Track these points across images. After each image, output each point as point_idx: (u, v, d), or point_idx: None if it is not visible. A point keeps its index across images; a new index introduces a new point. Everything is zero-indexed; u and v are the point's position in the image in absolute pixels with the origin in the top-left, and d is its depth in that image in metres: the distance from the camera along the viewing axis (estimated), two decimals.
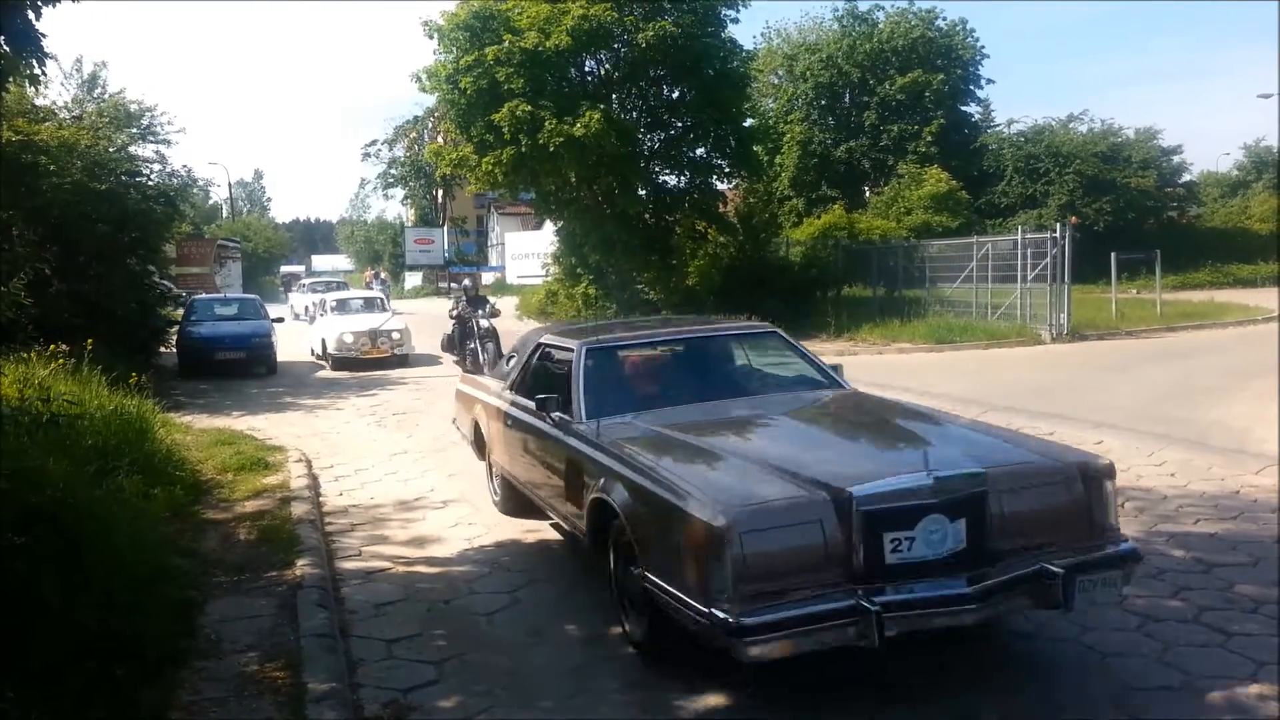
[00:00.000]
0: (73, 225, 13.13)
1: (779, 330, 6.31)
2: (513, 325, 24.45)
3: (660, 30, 19.02)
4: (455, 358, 15.47)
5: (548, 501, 5.71)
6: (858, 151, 37.90)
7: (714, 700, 4.02)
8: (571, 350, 5.71)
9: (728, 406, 5.38)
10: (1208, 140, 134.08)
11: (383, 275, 51.83)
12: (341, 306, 19.56)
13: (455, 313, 15.68)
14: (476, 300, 15.96)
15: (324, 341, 17.73)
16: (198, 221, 53.90)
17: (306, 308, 27.96)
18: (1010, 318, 18.87)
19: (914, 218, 29.67)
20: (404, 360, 17.35)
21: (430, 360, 17.63)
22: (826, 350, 17.61)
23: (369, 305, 19.85)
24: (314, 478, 8.32)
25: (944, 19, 38.49)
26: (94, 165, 14.09)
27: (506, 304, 32.73)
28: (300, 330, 22.12)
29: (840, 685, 4.06)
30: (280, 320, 18.58)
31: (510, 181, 21.24)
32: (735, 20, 21.20)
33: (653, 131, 21.48)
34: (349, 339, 17.07)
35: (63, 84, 36.90)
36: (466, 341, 15.13)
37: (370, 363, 16.92)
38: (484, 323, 15.09)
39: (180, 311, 17.78)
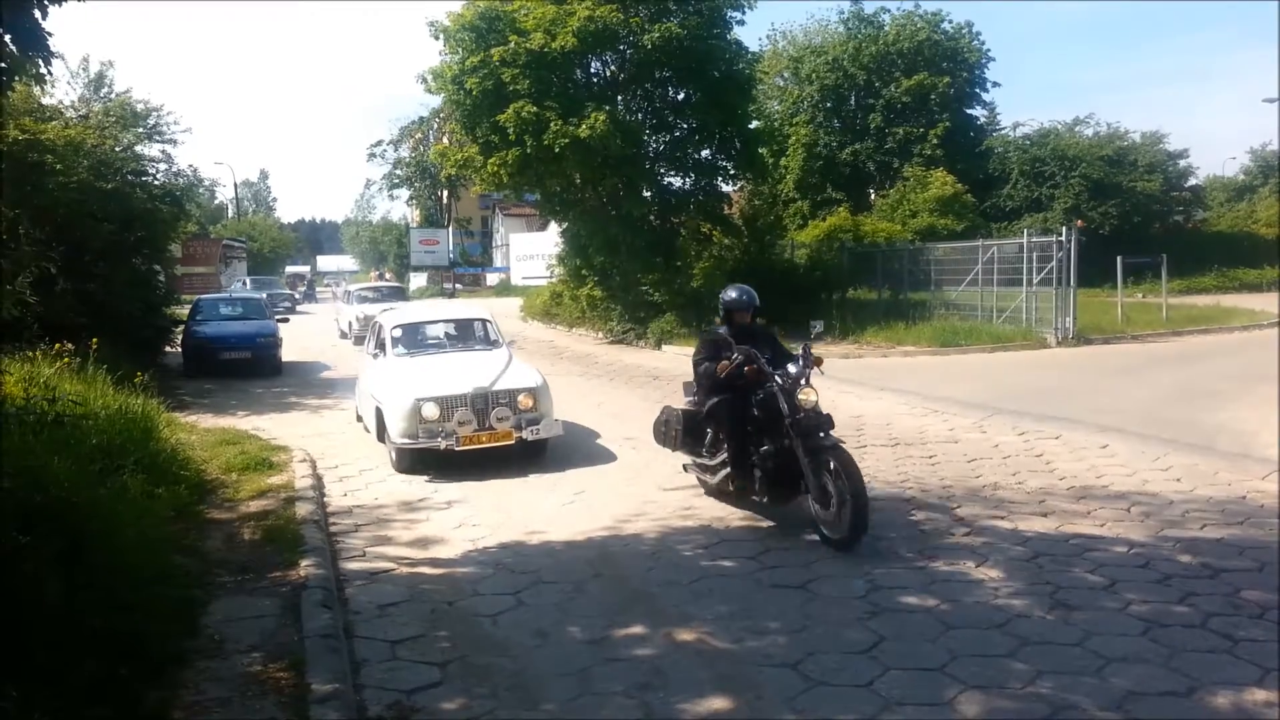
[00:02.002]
0: (78, 224, 13.16)
1: None
2: (518, 327, 24.29)
3: (666, 32, 19.06)
4: (707, 472, 7.14)
5: None
6: (863, 154, 37.89)
7: (718, 704, 4.00)
8: None
9: None
10: (1214, 144, 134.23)
11: (388, 276, 51.99)
12: (410, 338, 10.03)
13: (704, 359, 6.86)
14: (762, 336, 6.98)
15: (379, 412, 8.94)
16: (203, 221, 54.23)
17: (351, 323, 19.02)
18: (1015, 321, 18.83)
19: (919, 220, 29.66)
20: (541, 449, 8.77)
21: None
22: (832, 353, 17.59)
23: (463, 337, 10.40)
24: (318, 478, 8.33)
25: (950, 22, 38.64)
26: (100, 164, 14.13)
27: (510, 306, 32.51)
28: (350, 359, 15.32)
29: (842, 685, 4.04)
30: (285, 320, 18.51)
31: (515, 183, 21.31)
32: (741, 22, 21.35)
33: (658, 133, 21.51)
34: (431, 412, 8.37)
35: (69, 83, 37.25)
36: (750, 442, 6.52)
37: (475, 458, 8.45)
38: (807, 398, 6.16)
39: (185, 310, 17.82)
